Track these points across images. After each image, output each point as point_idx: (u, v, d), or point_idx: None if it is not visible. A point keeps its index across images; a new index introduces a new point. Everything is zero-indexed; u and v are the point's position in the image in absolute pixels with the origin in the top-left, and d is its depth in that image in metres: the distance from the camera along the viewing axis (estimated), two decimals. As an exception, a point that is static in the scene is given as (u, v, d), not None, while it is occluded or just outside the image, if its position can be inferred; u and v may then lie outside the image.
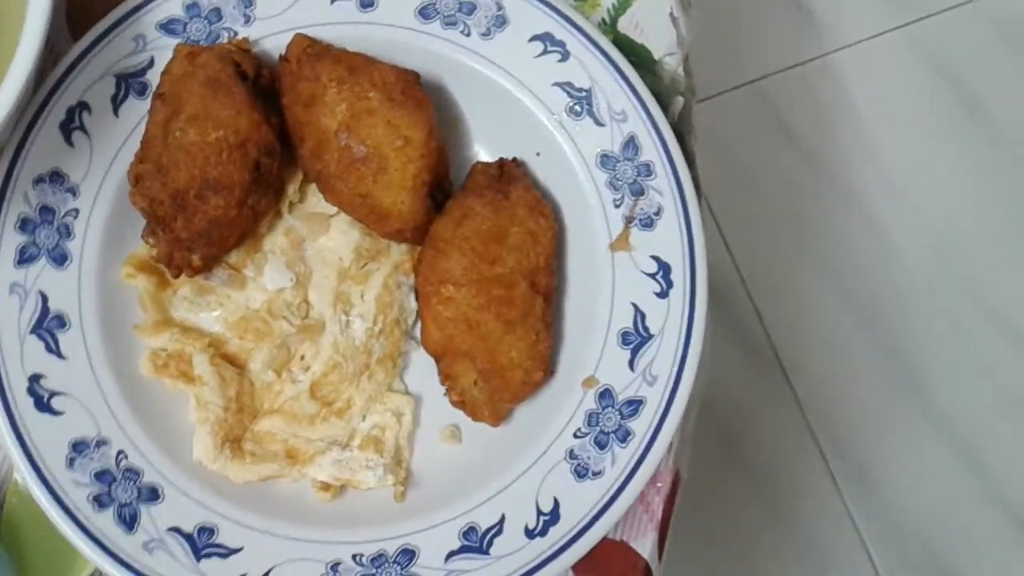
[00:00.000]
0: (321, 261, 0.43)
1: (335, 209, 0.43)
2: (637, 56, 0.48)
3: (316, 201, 0.44)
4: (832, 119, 1.02)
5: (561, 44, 0.44)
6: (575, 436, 0.41)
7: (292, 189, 0.43)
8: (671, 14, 0.49)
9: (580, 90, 0.44)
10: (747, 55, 1.03)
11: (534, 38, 0.44)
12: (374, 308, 0.43)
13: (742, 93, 1.02)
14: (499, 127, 0.45)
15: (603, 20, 0.48)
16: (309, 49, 0.42)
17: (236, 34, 0.43)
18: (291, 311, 0.43)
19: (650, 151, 0.43)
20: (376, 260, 0.43)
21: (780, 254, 0.98)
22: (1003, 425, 0.95)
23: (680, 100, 0.48)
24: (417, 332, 0.44)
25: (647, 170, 0.43)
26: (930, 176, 1.01)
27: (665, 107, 0.47)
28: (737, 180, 0.99)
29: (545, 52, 0.44)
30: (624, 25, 0.48)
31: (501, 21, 0.44)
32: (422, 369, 0.43)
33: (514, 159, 0.44)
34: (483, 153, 0.45)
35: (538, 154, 0.45)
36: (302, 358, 0.42)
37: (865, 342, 0.96)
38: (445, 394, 0.42)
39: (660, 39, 0.49)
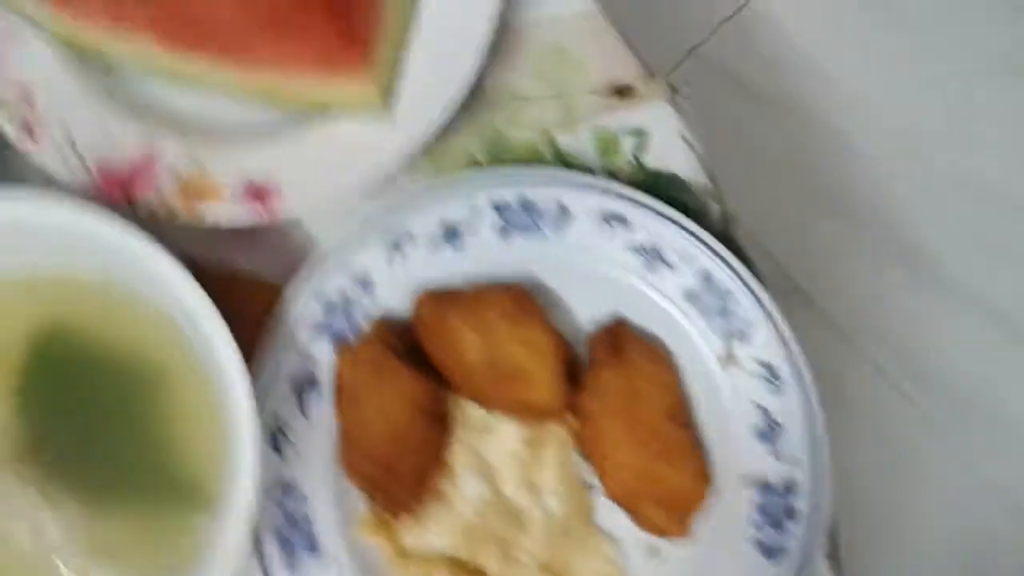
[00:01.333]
0: (500, 459, 0.52)
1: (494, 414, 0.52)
2: (669, 184, 0.56)
3: (476, 410, 0.52)
4: (777, 57, 1.10)
5: (620, 216, 0.52)
6: (754, 527, 0.51)
7: (457, 412, 0.52)
8: (683, 137, 0.57)
9: (649, 248, 0.52)
10: (676, 28, 1.10)
11: (598, 219, 0.52)
12: (558, 482, 0.52)
13: (688, 66, 1.10)
14: (593, 297, 0.53)
15: (630, 163, 0.56)
16: (432, 303, 0.51)
17: (368, 312, 0.51)
18: (494, 509, 0.52)
19: (724, 279, 0.52)
20: (543, 442, 0.52)
21: (781, 203, 1.07)
22: None
23: (715, 206, 0.57)
24: (593, 481, 0.53)
25: (728, 294, 0.52)
26: (883, 77, 1.10)
27: (706, 214, 0.56)
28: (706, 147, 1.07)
29: (611, 227, 0.52)
30: (649, 161, 0.56)
31: (566, 215, 0.52)
32: (608, 508, 0.52)
33: (618, 322, 0.53)
34: (587, 317, 0.54)
35: (629, 306, 0.53)
36: (522, 546, 0.52)
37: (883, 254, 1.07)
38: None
39: (682, 161, 0.57)
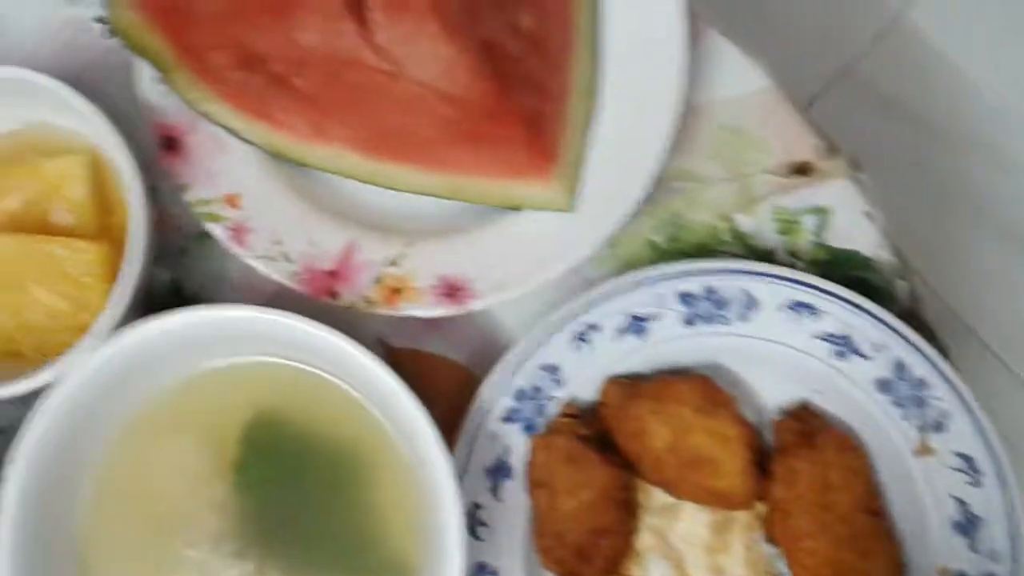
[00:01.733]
0: (685, 543, 0.53)
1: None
2: (854, 263, 0.55)
3: (663, 496, 0.53)
4: (928, 75, 1.07)
5: (809, 305, 0.51)
6: (953, 619, 0.50)
7: (644, 497, 0.53)
8: (865, 212, 0.56)
9: (839, 336, 0.51)
10: (821, 50, 1.07)
11: (785, 308, 0.52)
12: (744, 567, 0.52)
13: (838, 88, 1.07)
14: (779, 381, 0.53)
15: (811, 242, 0.56)
16: (618, 391, 0.51)
17: (556, 398, 0.52)
18: (681, 593, 0.52)
19: (919, 368, 0.51)
20: (729, 527, 0.52)
21: (940, 224, 1.04)
22: None
23: (902, 283, 0.56)
24: (780, 568, 0.53)
25: (922, 384, 0.51)
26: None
27: (892, 295, 0.55)
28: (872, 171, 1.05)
29: (798, 316, 0.51)
30: (831, 239, 0.56)
31: (752, 304, 0.52)
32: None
33: (806, 407, 0.53)
34: (774, 403, 0.54)
35: (818, 392, 0.53)
36: (709, 629, 0.52)
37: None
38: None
39: (866, 237, 0.56)
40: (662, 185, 0.56)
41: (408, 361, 0.55)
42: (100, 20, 0.57)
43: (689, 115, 0.56)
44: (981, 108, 1.05)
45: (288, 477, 0.51)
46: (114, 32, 0.51)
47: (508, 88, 0.48)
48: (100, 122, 0.50)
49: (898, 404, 0.51)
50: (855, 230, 0.56)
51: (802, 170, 0.56)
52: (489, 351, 0.54)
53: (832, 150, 0.56)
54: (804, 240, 0.56)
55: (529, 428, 0.52)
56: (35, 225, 0.52)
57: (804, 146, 0.56)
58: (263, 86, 0.49)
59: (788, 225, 0.56)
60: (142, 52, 0.51)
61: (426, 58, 0.47)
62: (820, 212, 0.56)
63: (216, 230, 0.52)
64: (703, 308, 0.52)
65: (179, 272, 0.56)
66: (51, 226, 0.53)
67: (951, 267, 1.03)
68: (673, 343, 0.52)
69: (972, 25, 1.05)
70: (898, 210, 1.03)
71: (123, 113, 0.54)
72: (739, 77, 0.56)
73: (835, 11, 1.07)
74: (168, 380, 0.51)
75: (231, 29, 0.49)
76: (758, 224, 0.56)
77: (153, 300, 0.56)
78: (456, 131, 0.49)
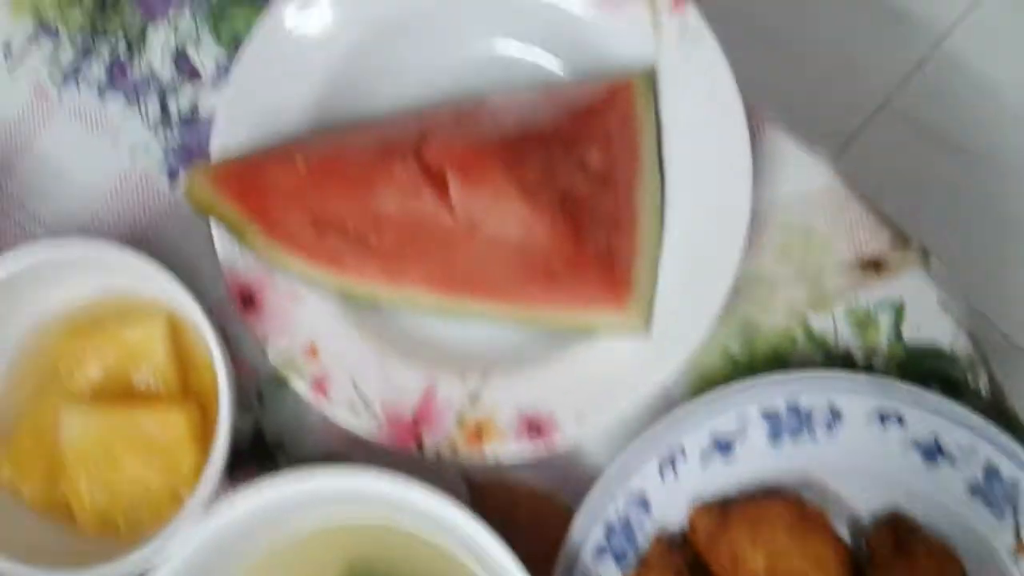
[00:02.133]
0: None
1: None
2: (933, 357, 0.55)
3: (758, 610, 0.53)
4: (968, 104, 1.05)
5: (895, 414, 0.51)
6: None
7: (740, 615, 0.53)
8: (939, 302, 0.55)
9: (927, 443, 0.51)
10: (862, 85, 1.06)
11: (870, 417, 0.51)
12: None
13: (879, 122, 1.06)
14: (869, 489, 0.53)
15: (889, 339, 0.55)
16: (710, 517, 0.51)
17: (645, 527, 0.52)
18: None
19: (1009, 470, 0.50)
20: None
21: (988, 254, 1.02)
22: None
23: (984, 375, 0.55)
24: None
25: (1014, 485, 0.50)
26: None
27: (975, 387, 0.54)
28: (910, 203, 1.03)
29: (884, 425, 0.51)
30: (908, 334, 0.55)
31: (837, 415, 0.51)
32: None
33: (897, 515, 0.52)
34: (865, 511, 0.53)
35: (908, 499, 0.52)
36: None
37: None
38: None
39: (942, 329, 0.55)
40: (733, 289, 0.55)
41: (493, 495, 0.55)
42: (169, 174, 0.58)
43: (755, 215, 0.55)
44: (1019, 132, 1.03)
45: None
46: (190, 205, 0.51)
47: (582, 231, 0.48)
48: (175, 288, 0.51)
49: (991, 505, 0.51)
50: (931, 321, 0.55)
51: (873, 265, 0.55)
52: (572, 475, 0.55)
53: (902, 241, 0.55)
54: (881, 337, 0.55)
55: (620, 560, 0.52)
56: (119, 392, 0.53)
57: (873, 240, 0.55)
58: (337, 243, 0.50)
59: (864, 322, 0.55)
60: (217, 219, 0.51)
61: (504, 219, 0.47)
62: (894, 307, 0.55)
63: (298, 383, 0.52)
64: (787, 424, 0.52)
65: (259, 417, 0.57)
66: (134, 391, 0.53)
67: (1004, 290, 1.02)
68: (759, 461, 0.52)
69: (1010, 50, 1.03)
70: (947, 239, 1.04)
71: (191, 263, 0.55)
72: (802, 173, 0.56)
73: (868, 45, 1.05)
74: (263, 545, 0.52)
75: (307, 201, 0.49)
76: (833, 324, 0.55)
77: (236, 447, 0.57)
78: (531, 273, 0.49)
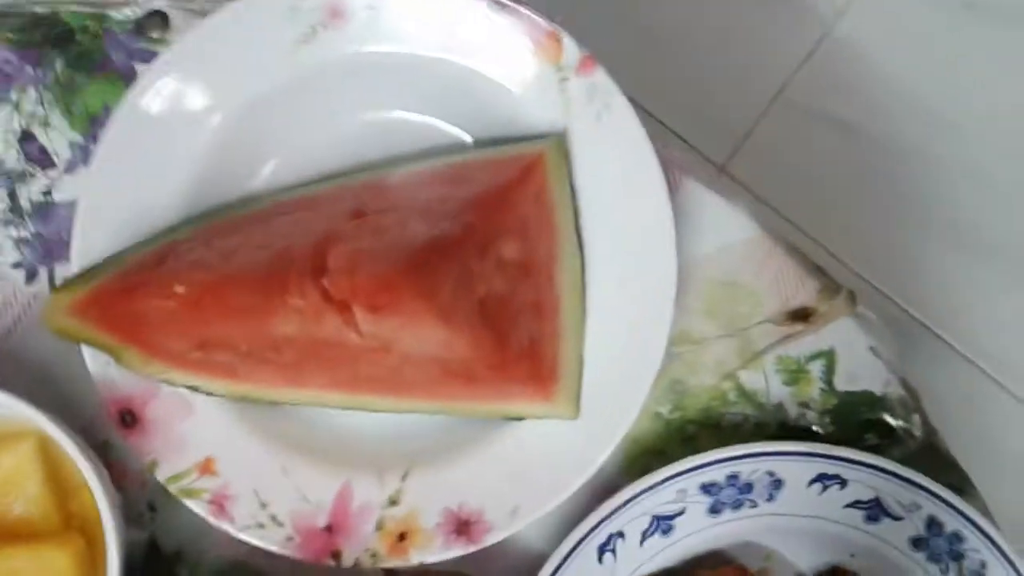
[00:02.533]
0: None
1: None
2: (866, 403, 0.53)
3: None
4: (863, 88, 1.04)
5: (836, 477, 0.49)
6: None
7: None
8: (870, 348, 0.53)
9: (868, 502, 0.49)
10: (754, 77, 1.04)
11: (811, 482, 0.49)
12: None
13: (774, 113, 1.04)
14: (811, 549, 0.51)
15: (821, 389, 0.53)
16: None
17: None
18: None
19: (952, 522, 0.49)
20: None
21: (897, 243, 1.03)
22: None
23: (916, 417, 0.54)
24: None
25: (957, 538, 0.49)
26: (969, 90, 1.04)
27: (910, 432, 0.53)
28: (812, 192, 1.03)
29: (825, 488, 0.49)
30: (840, 383, 0.53)
31: (778, 484, 0.49)
32: None
33: (840, 570, 0.51)
34: (806, 566, 0.51)
35: (852, 555, 0.51)
36: None
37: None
38: None
39: (874, 375, 0.53)
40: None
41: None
42: (18, 266, 0.51)
43: (679, 275, 0.52)
44: (919, 116, 1.03)
45: None
46: (53, 332, 0.45)
47: (504, 335, 0.44)
48: (37, 416, 0.45)
49: (935, 559, 0.50)
50: (862, 368, 0.53)
51: (802, 316, 0.53)
52: (499, 556, 0.51)
53: (829, 290, 0.53)
54: (813, 388, 0.53)
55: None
56: (-8, 527, 0.47)
57: (800, 290, 0.53)
58: (229, 358, 0.44)
59: (795, 375, 0.53)
60: (85, 344, 0.45)
61: (419, 340, 0.43)
62: (825, 356, 0.53)
63: (197, 507, 0.47)
64: (727, 495, 0.49)
65: (154, 531, 0.51)
66: (10, 522, 0.46)
67: (904, 273, 1.02)
68: (700, 534, 0.50)
69: (903, 34, 1.03)
70: (850, 224, 1.03)
71: (59, 369, 0.49)
72: (722, 226, 0.53)
73: (757, 36, 1.03)
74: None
75: (190, 327, 0.43)
76: (764, 378, 0.53)
77: (131, 565, 0.51)
78: (452, 377, 0.45)
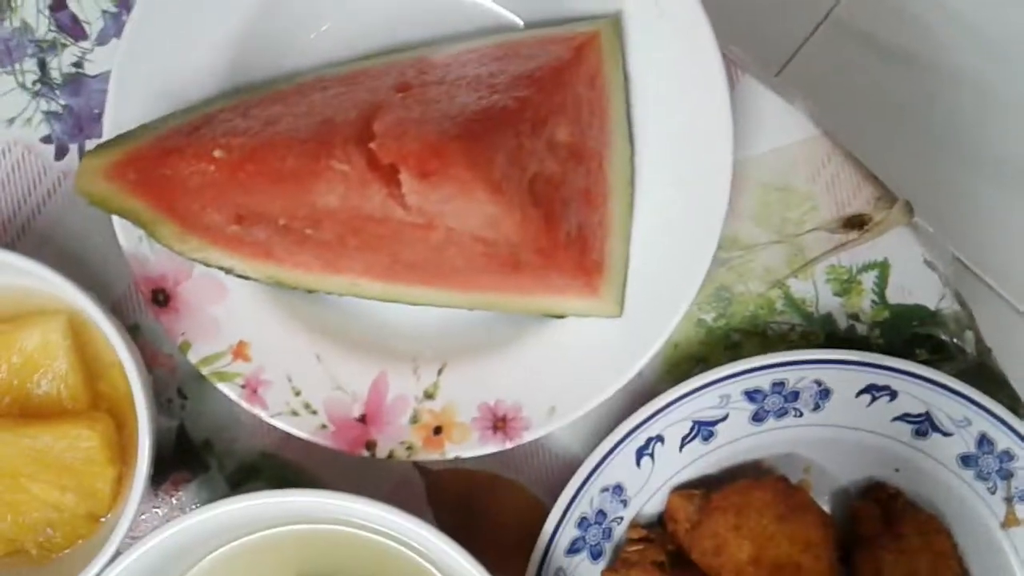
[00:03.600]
0: (770, 640, 0.50)
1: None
2: (918, 317, 0.51)
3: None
4: (912, 12, 1.00)
5: (886, 388, 0.47)
6: None
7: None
8: (925, 261, 0.51)
9: (918, 416, 0.48)
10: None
11: (860, 393, 0.48)
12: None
13: (822, 34, 1.01)
14: (855, 462, 0.49)
15: (873, 301, 0.51)
16: (690, 504, 0.48)
17: (621, 518, 0.48)
18: None
19: (1003, 440, 0.47)
20: (814, 620, 0.50)
21: (935, 169, 1.00)
22: None
23: (970, 334, 0.52)
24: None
25: (1007, 456, 0.48)
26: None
27: (962, 349, 0.51)
28: (865, 115, 0.99)
29: (874, 400, 0.48)
30: (892, 295, 0.51)
31: (825, 393, 0.48)
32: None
33: (885, 490, 0.49)
34: (851, 484, 0.50)
35: (897, 470, 0.50)
36: None
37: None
38: None
39: (928, 288, 0.51)
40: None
41: (451, 483, 0.50)
42: (48, 140, 0.49)
43: (736, 174, 0.49)
44: (967, 41, 0.99)
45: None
46: (89, 201, 0.43)
47: (553, 217, 0.42)
48: (68, 288, 0.44)
49: (983, 478, 0.48)
50: (916, 282, 0.51)
51: (856, 223, 0.51)
52: (535, 458, 0.50)
53: (886, 199, 0.51)
54: (864, 299, 0.51)
55: (596, 555, 0.48)
56: (19, 403, 0.46)
57: (855, 198, 0.51)
58: (267, 235, 0.43)
59: (846, 285, 0.51)
60: (119, 215, 0.44)
61: (467, 215, 0.41)
62: (879, 267, 0.51)
63: (229, 391, 0.46)
64: (772, 403, 0.48)
65: (183, 417, 0.50)
66: (36, 400, 0.46)
67: (946, 206, 0.99)
68: (741, 442, 0.48)
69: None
70: (895, 152, 1.00)
71: (90, 248, 0.48)
72: (780, 127, 0.50)
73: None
74: (207, 558, 0.46)
75: (228, 196, 0.42)
76: (814, 287, 0.51)
77: (160, 453, 0.50)
78: (496, 263, 0.43)
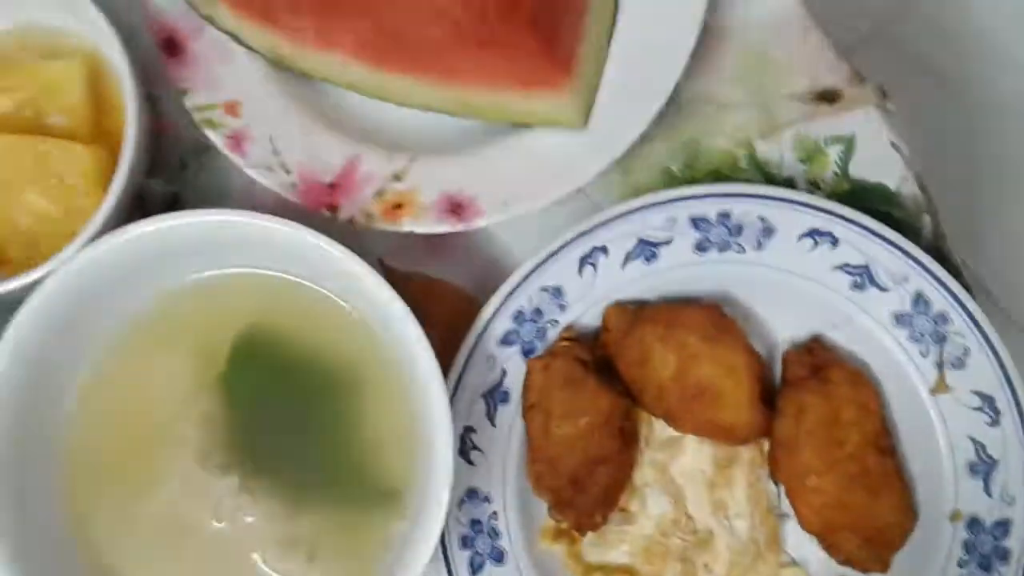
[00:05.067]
0: (687, 478, 0.51)
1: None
2: (877, 195, 0.53)
3: (665, 429, 0.51)
4: (962, 38, 1.03)
5: (828, 234, 0.49)
6: (959, 566, 0.48)
7: (645, 429, 0.51)
8: (891, 143, 0.53)
9: (858, 267, 0.49)
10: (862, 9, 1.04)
11: (802, 236, 0.49)
12: (746, 504, 0.50)
13: (875, 48, 1.04)
14: (791, 314, 0.51)
15: (835, 173, 0.53)
16: (624, 316, 0.49)
17: (557, 322, 0.50)
18: (680, 528, 0.51)
19: (940, 302, 0.48)
20: (732, 463, 0.51)
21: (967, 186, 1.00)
22: None
23: (927, 218, 0.53)
24: (783, 507, 0.51)
25: (943, 319, 0.48)
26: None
27: (917, 230, 0.52)
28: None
29: (816, 245, 0.49)
30: (855, 170, 0.53)
31: (768, 232, 0.50)
32: (798, 535, 0.50)
33: (817, 340, 0.51)
34: (785, 336, 0.52)
35: (834, 327, 0.51)
36: (705, 566, 0.50)
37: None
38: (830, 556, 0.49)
39: (891, 169, 0.53)
40: (681, 109, 0.53)
41: (408, 284, 0.53)
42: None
43: (713, 37, 0.53)
44: (1015, 77, 1.01)
45: (278, 393, 0.49)
46: None
47: None
48: (98, 20, 0.49)
49: (916, 339, 0.49)
50: (880, 161, 0.53)
51: (828, 97, 0.53)
52: (494, 277, 0.52)
53: (860, 78, 0.53)
54: (827, 170, 0.53)
55: (528, 352, 0.50)
56: (28, 128, 0.51)
57: (831, 73, 0.53)
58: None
59: (811, 154, 0.53)
60: None
61: None
62: (845, 141, 0.53)
63: (214, 137, 0.50)
64: (716, 234, 0.50)
65: (178, 186, 0.55)
66: (45, 129, 0.51)
67: (978, 233, 0.99)
68: (683, 270, 0.50)
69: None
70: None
71: (120, 16, 0.53)
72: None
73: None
74: (156, 291, 0.49)
75: None
76: (779, 152, 0.53)
77: (149, 213, 0.54)
78: (468, 34, 0.47)
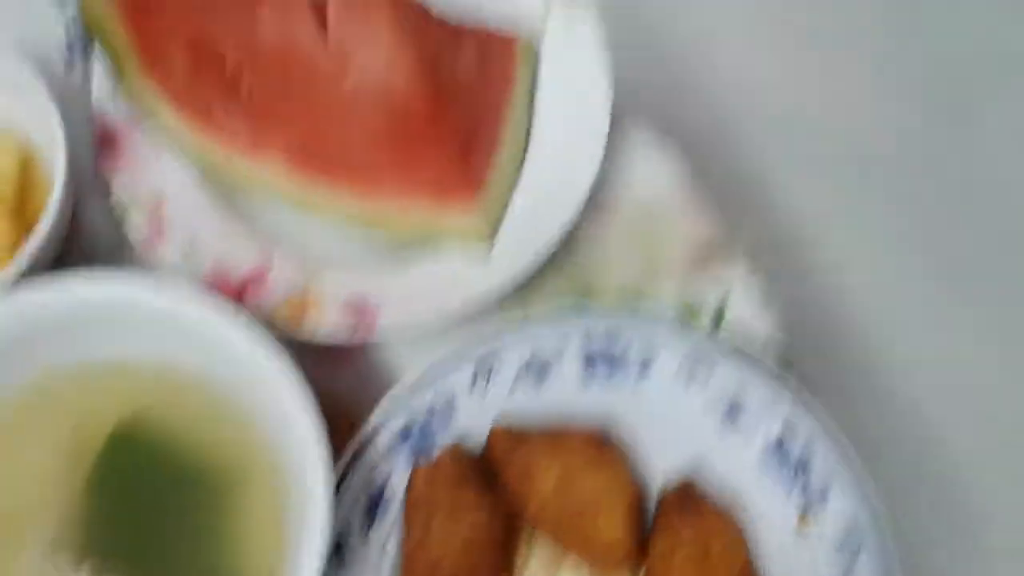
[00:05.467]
0: (562, 605, 0.51)
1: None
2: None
3: (544, 548, 0.51)
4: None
5: (705, 365, 0.53)
6: None
7: (524, 550, 0.51)
8: (760, 302, 0.58)
9: (730, 400, 0.52)
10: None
11: (680, 372, 0.53)
12: (620, 634, 0.50)
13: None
14: (667, 448, 0.53)
15: (709, 330, 0.58)
16: (506, 439, 0.51)
17: (444, 437, 0.51)
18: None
19: (807, 428, 0.51)
20: (607, 590, 0.51)
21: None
22: None
23: (789, 375, 0.58)
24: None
25: (808, 448, 0.51)
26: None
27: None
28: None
29: (691, 383, 0.53)
30: (726, 328, 0.58)
31: (647, 364, 0.53)
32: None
33: (688, 482, 0.53)
34: (661, 469, 0.53)
35: (703, 462, 0.53)
36: None
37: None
38: None
39: (759, 327, 0.58)
40: (575, 250, 0.58)
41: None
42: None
43: (608, 190, 0.59)
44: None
45: (148, 490, 0.48)
46: (84, 21, 0.53)
47: (446, 101, 0.52)
48: (47, 105, 0.51)
49: (782, 476, 0.51)
50: (750, 320, 0.58)
51: (704, 260, 0.59)
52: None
53: (733, 241, 0.59)
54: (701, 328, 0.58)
55: (415, 457, 0.51)
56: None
57: (706, 235, 0.59)
58: (210, 89, 0.53)
59: (688, 311, 0.58)
60: (100, 37, 0.53)
61: (372, 56, 0.51)
62: (718, 300, 0.58)
63: (136, 221, 0.53)
64: (602, 362, 0.53)
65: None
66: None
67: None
68: (570, 396, 0.53)
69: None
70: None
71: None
72: (652, 164, 0.60)
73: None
74: (43, 366, 0.49)
75: (193, 17, 0.53)
76: (659, 308, 0.58)
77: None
78: (389, 138, 0.52)
